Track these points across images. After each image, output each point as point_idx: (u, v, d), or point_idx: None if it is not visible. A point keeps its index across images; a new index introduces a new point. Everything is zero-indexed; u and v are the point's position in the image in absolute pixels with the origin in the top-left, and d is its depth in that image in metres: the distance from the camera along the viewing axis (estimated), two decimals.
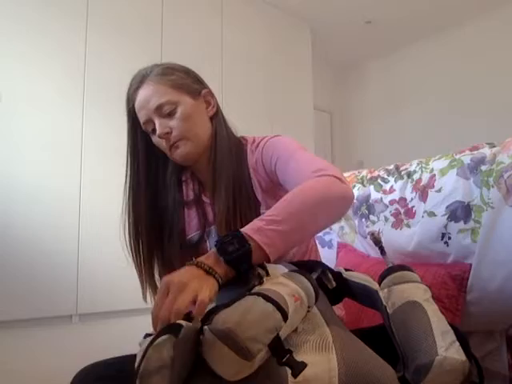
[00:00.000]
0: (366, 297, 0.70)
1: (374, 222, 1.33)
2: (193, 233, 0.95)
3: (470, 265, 1.06)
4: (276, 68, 3.65)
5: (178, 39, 3.06)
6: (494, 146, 1.11)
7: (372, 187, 1.38)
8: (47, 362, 1.90)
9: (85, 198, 2.50)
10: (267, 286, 0.55)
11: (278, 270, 0.62)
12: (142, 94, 0.89)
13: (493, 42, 3.87)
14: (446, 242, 1.13)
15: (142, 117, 0.90)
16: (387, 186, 1.34)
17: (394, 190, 1.31)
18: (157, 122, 0.88)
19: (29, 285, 2.24)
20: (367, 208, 1.36)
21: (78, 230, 2.46)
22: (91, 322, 2.42)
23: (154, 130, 0.90)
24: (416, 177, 1.26)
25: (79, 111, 2.55)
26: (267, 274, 0.59)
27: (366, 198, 1.37)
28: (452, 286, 1.04)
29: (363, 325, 1.03)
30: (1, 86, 2.29)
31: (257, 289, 0.55)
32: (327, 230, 1.47)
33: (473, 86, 3.99)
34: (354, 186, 1.43)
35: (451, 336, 0.58)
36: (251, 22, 3.55)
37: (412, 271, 0.70)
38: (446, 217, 1.12)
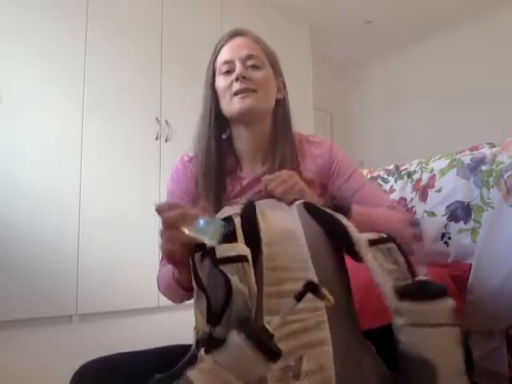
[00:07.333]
0: None
1: None
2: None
3: (470, 265, 1.06)
4: None
5: (178, 39, 3.06)
6: (494, 146, 1.11)
7: None
8: (47, 362, 1.90)
9: (85, 198, 2.50)
10: None
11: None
12: (237, 41, 0.91)
13: (493, 42, 3.88)
14: (445, 242, 1.13)
15: (224, 56, 0.90)
16: (387, 186, 1.34)
17: (394, 190, 1.31)
18: (239, 65, 0.88)
19: (29, 285, 2.24)
20: None
21: (78, 230, 2.46)
22: (91, 322, 2.42)
23: (227, 73, 0.90)
24: (416, 177, 1.26)
25: (79, 111, 2.55)
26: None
27: None
28: (452, 286, 1.04)
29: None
30: (1, 86, 2.29)
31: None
32: None
33: (473, 86, 3.99)
34: None
35: None
36: (251, 22, 3.52)
37: None
38: (446, 217, 1.12)
